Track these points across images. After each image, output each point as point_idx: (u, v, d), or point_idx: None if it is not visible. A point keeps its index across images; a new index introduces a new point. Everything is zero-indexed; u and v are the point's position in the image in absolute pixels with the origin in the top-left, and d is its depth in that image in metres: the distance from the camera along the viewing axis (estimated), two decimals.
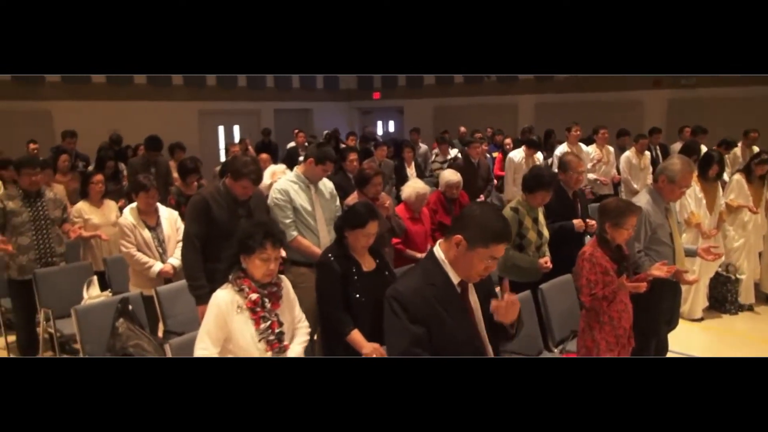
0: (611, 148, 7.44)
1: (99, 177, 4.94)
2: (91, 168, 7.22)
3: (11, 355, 4.69)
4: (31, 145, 8.33)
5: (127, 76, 11.54)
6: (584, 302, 3.04)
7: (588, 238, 4.93)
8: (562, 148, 7.31)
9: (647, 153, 7.39)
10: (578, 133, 7.20)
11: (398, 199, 5.34)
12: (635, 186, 6.90)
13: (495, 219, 1.92)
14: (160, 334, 3.78)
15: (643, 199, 3.48)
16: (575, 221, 4.03)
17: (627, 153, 7.26)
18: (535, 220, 3.78)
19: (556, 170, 4.60)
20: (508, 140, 8.48)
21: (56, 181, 5.86)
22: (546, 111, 12.31)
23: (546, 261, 3.71)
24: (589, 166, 6.85)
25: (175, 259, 4.07)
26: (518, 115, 12.90)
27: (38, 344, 4.50)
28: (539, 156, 6.85)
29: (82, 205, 4.82)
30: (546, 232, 3.82)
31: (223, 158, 12.42)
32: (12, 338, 4.73)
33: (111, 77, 11.30)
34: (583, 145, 7.40)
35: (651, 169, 7.16)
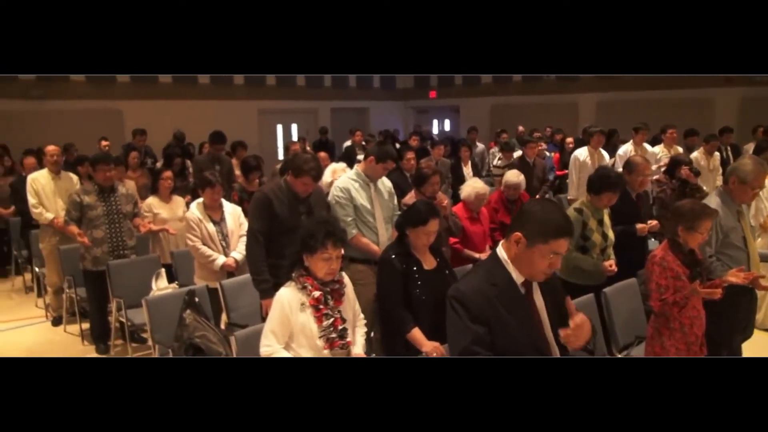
0: (680, 149, 7.15)
1: (168, 173, 5.14)
2: (159, 165, 7.52)
3: (85, 342, 4.94)
4: (103, 143, 8.75)
5: (192, 76, 11.96)
6: (654, 307, 2.93)
7: (652, 241, 4.78)
8: (625, 148, 7.09)
9: (717, 154, 7.07)
10: (646, 135, 6.96)
11: (454, 199, 5.32)
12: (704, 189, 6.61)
13: (555, 214, 1.88)
14: (223, 325, 3.90)
15: (713, 202, 3.34)
16: (638, 226, 3.91)
17: (695, 154, 6.96)
18: (600, 222, 3.68)
19: (619, 170, 4.47)
20: (569, 139, 8.28)
21: (127, 177, 6.13)
22: (608, 110, 11.96)
23: (611, 264, 3.60)
24: (654, 167, 6.60)
25: (237, 253, 4.19)
26: (578, 114, 12.58)
27: (110, 332, 4.72)
28: (605, 155, 6.66)
29: (152, 200, 5.02)
30: (611, 235, 3.71)
31: (281, 156, 12.68)
32: (86, 326, 4.98)
33: (177, 77, 11.73)
34: (648, 146, 7.15)
35: (721, 170, 6.84)
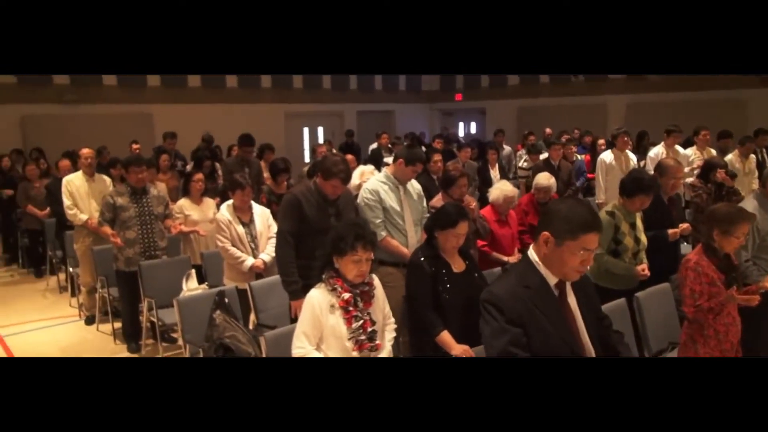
0: (713, 151, 6.99)
1: (199, 176, 5.22)
2: (188, 167, 7.64)
3: (117, 341, 5.03)
4: (134, 146, 8.92)
5: (221, 79, 12.13)
6: (687, 313, 2.88)
7: (685, 244, 4.69)
8: (656, 150, 6.96)
9: (752, 156, 6.89)
10: (678, 138, 6.83)
11: (482, 201, 5.30)
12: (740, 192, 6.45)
13: (580, 209, 1.86)
14: (251, 326, 3.93)
15: (749, 205, 3.27)
16: (670, 231, 3.83)
17: (730, 156, 6.80)
18: (633, 226, 3.62)
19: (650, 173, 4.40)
20: (601, 141, 8.15)
21: (158, 179, 6.24)
22: (638, 111, 11.76)
23: (644, 268, 3.54)
24: (687, 170, 6.48)
25: (266, 255, 4.23)
26: (608, 115, 12.40)
27: (141, 331, 4.81)
28: (633, 157, 6.56)
29: (183, 202, 5.11)
30: (644, 239, 3.65)
31: (307, 159, 12.77)
32: (118, 325, 5.07)
33: (206, 81, 11.91)
34: (680, 148, 7.01)
35: (757, 173, 6.67)
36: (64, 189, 5.40)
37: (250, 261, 4.17)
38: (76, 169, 5.80)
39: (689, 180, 6.44)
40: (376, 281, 2.71)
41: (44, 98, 10.14)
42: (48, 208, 6.66)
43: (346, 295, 2.52)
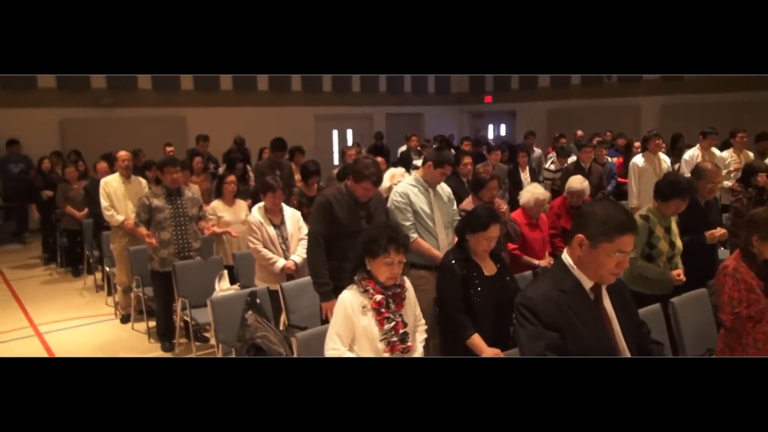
0: (750, 154, 6.82)
1: (232, 178, 5.31)
2: (220, 170, 7.76)
3: (151, 340, 5.14)
4: (168, 148, 9.09)
5: (252, 83, 12.30)
6: (725, 321, 2.81)
7: (723, 249, 4.58)
8: (691, 153, 6.83)
9: None
10: (714, 140, 6.68)
11: (512, 204, 5.26)
12: None
13: (615, 210, 1.84)
14: (282, 326, 3.98)
15: None
16: (707, 234, 3.75)
17: None
18: (668, 230, 3.55)
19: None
20: (637, 144, 8.00)
21: (191, 181, 6.35)
22: (673, 113, 11.52)
23: (679, 273, 3.47)
24: (723, 173, 6.32)
25: (297, 256, 4.28)
26: (641, 117, 12.18)
27: (175, 330, 4.90)
28: (666, 160, 6.43)
29: (216, 204, 5.20)
30: (679, 243, 3.58)
31: (336, 161, 12.86)
32: (152, 324, 5.19)
33: (238, 84, 12.10)
34: (716, 150, 6.86)
35: None
36: (101, 190, 5.54)
37: (281, 262, 4.22)
38: (113, 171, 5.95)
39: (727, 183, 6.30)
40: (408, 284, 2.72)
41: (82, 102, 10.44)
42: (86, 209, 6.84)
43: (378, 297, 2.53)
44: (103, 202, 5.50)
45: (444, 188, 3.99)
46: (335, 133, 14.25)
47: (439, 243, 3.74)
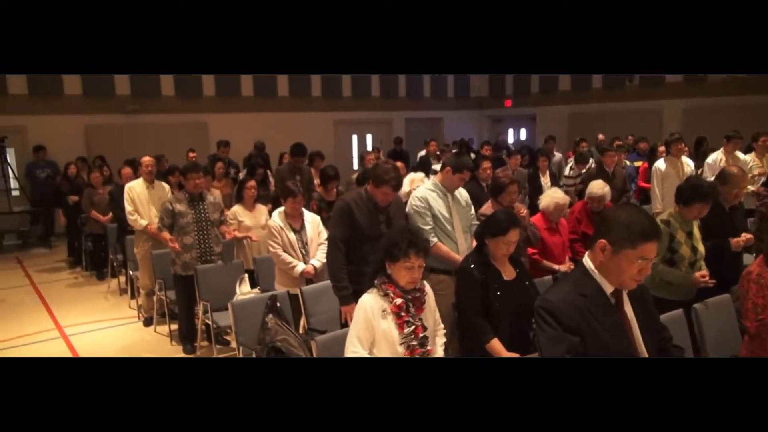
0: None
1: (252, 183, 5.36)
2: (241, 175, 7.85)
3: (173, 342, 5.21)
4: (190, 154, 9.23)
5: (272, 88, 12.42)
6: (749, 328, 2.77)
7: (747, 255, 4.50)
8: (714, 156, 6.72)
9: None
10: (738, 144, 6.58)
11: (532, 209, 5.23)
12: None
13: (640, 217, 1.82)
14: (301, 330, 4.01)
15: None
16: (732, 240, 3.70)
17: None
18: (690, 235, 3.51)
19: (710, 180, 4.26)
20: (662, 148, 7.90)
21: (213, 186, 6.44)
22: (696, 116, 11.37)
23: (704, 275, 3.40)
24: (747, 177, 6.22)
25: (316, 261, 4.31)
26: (663, 120, 12.03)
27: (196, 333, 4.97)
28: (689, 163, 6.35)
29: (237, 209, 5.26)
30: (701, 248, 3.53)
31: (356, 166, 12.91)
32: (174, 327, 5.26)
33: (258, 90, 12.23)
34: (740, 154, 6.75)
35: None
36: (126, 195, 5.64)
37: (300, 266, 4.25)
38: (137, 177, 6.05)
39: (750, 188, 6.20)
40: (428, 288, 2.73)
41: (107, 109, 10.65)
42: (110, 214, 6.96)
43: (399, 301, 2.55)
44: (128, 207, 5.60)
45: (462, 193, 3.99)
46: (355, 137, 14.31)
47: (458, 247, 3.74)
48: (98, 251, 7.48)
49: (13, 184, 9.69)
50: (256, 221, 5.24)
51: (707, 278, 3.38)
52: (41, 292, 6.95)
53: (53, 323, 5.84)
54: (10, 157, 9.81)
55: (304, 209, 4.54)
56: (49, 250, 9.39)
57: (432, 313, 2.72)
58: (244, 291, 4.45)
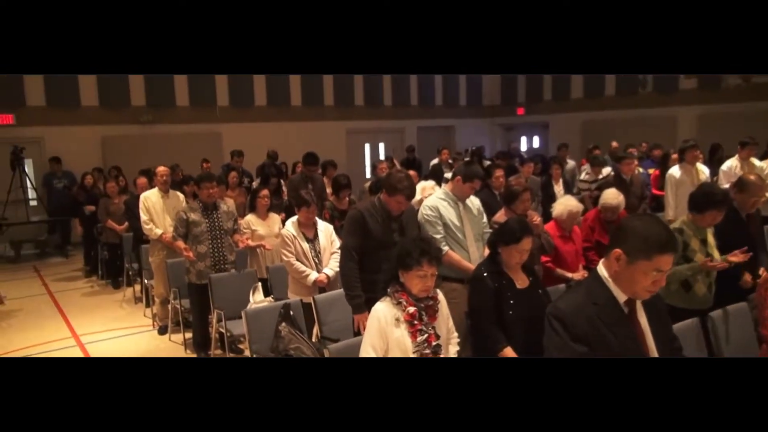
0: None
1: (265, 192, 5.40)
2: (254, 184, 7.90)
3: (188, 351, 5.25)
4: (205, 164, 9.31)
5: (285, 98, 12.52)
6: (766, 336, 2.74)
7: None
8: (729, 163, 6.67)
9: None
10: (753, 151, 6.52)
11: (546, 217, 5.21)
12: None
13: (657, 228, 1.81)
14: (314, 338, 4.02)
15: None
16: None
17: None
18: (704, 242, 3.48)
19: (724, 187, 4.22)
20: (675, 156, 7.85)
21: (227, 195, 6.49)
22: (710, 123, 11.28)
23: (711, 260, 3.33)
24: None
25: (329, 270, 4.32)
26: (678, 127, 11.95)
27: (210, 342, 4.99)
28: (704, 171, 6.29)
29: (250, 218, 5.30)
30: (717, 255, 3.50)
31: (368, 175, 12.96)
32: (189, 335, 5.30)
33: (271, 100, 12.33)
34: (756, 161, 6.69)
35: None
36: (141, 205, 5.71)
37: (313, 275, 4.26)
38: (152, 187, 6.12)
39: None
40: (441, 296, 2.73)
41: (123, 119, 10.79)
42: (126, 223, 7.03)
43: (411, 309, 2.55)
44: (143, 216, 5.66)
45: (473, 201, 4.00)
46: (367, 146, 14.37)
47: (470, 256, 3.74)
48: (114, 260, 7.55)
49: (31, 194, 9.84)
50: (270, 230, 5.27)
51: (720, 264, 3.29)
52: (58, 301, 7.03)
53: (70, 331, 5.90)
54: (28, 167, 9.97)
55: (317, 218, 4.56)
56: (65, 259, 9.50)
57: (445, 322, 2.72)
58: (258, 299, 4.47)
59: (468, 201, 3.93)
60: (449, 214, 3.80)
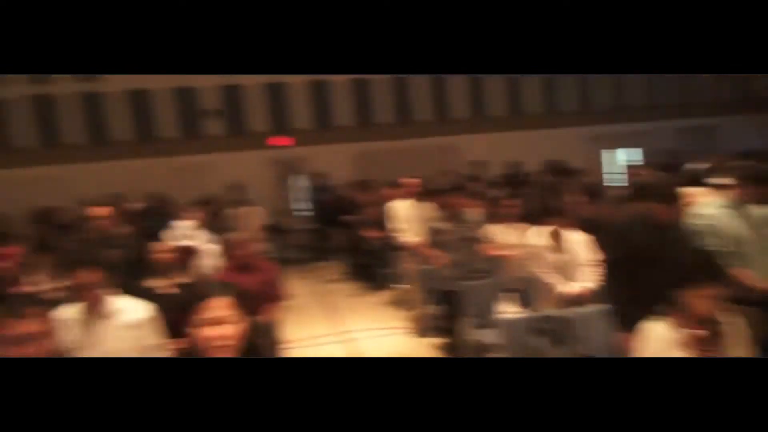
0: None
1: (511, 201, 5.42)
2: (500, 193, 7.95)
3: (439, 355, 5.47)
4: (449, 176, 9.66)
5: (521, 106, 12.49)
6: None
7: None
8: None
9: None
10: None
11: None
12: None
13: None
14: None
15: None
16: None
17: None
18: None
19: None
20: None
21: (471, 205, 6.63)
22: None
23: None
24: None
25: (583, 282, 4.14)
26: None
27: (461, 349, 5.13)
28: None
29: (496, 227, 5.34)
30: None
31: (612, 182, 12.12)
32: (444, 340, 5.48)
33: (510, 109, 12.40)
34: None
35: None
36: (394, 214, 6.17)
37: (566, 288, 4.13)
38: (403, 197, 6.56)
39: None
40: (728, 320, 2.42)
41: (374, 137, 11.87)
42: (383, 231, 7.63)
43: (692, 332, 2.31)
44: (396, 225, 6.10)
45: (758, 209, 3.45)
46: (612, 152, 13.47)
47: (761, 272, 3.24)
48: (372, 266, 8.21)
49: (301, 205, 11.31)
50: (518, 239, 5.24)
51: None
52: (324, 300, 7.90)
53: (334, 328, 6.59)
54: (300, 181, 11.54)
55: (569, 229, 4.41)
56: (329, 263, 10.64)
57: (729, 348, 2.40)
58: (510, 309, 4.47)
59: (752, 209, 3.42)
60: (731, 224, 3.36)
